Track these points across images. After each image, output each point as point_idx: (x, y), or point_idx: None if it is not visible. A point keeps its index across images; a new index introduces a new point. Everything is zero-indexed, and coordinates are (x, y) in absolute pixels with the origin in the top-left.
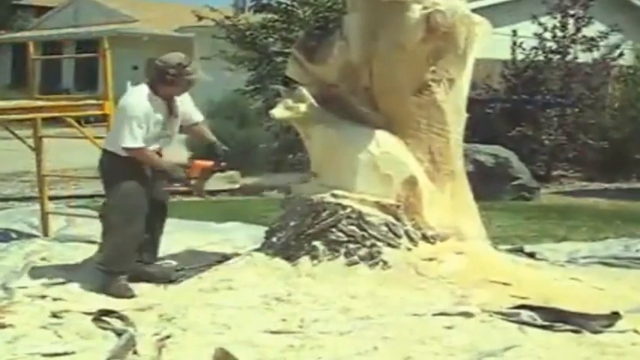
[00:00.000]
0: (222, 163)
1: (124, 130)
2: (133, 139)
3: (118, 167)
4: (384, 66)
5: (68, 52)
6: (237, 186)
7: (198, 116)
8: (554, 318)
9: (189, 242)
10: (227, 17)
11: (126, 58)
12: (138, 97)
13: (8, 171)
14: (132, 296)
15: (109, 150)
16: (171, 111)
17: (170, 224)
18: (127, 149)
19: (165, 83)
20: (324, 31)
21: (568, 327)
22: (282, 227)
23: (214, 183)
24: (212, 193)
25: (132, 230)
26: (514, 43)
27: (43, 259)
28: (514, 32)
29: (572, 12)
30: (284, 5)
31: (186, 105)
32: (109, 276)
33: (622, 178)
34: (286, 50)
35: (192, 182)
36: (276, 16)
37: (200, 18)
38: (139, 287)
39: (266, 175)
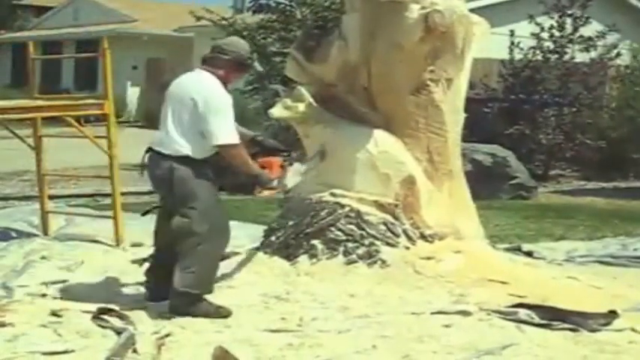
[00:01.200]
0: (283, 154)
1: (224, 126)
2: (230, 134)
3: (195, 175)
4: (383, 66)
5: (68, 52)
6: (300, 179)
7: None
8: (551, 316)
9: None
10: (224, 18)
11: (126, 58)
12: (219, 86)
13: (8, 170)
14: (229, 314)
15: (177, 155)
16: None
17: None
18: (229, 147)
19: (239, 70)
20: (322, 31)
21: (566, 325)
22: (281, 226)
23: (290, 180)
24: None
25: (222, 248)
26: (512, 43)
27: (42, 258)
28: (512, 32)
29: (569, 12)
30: (282, 5)
31: None
32: (195, 301)
33: (619, 177)
34: (285, 50)
35: (276, 182)
36: (274, 17)
37: (198, 19)
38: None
39: None
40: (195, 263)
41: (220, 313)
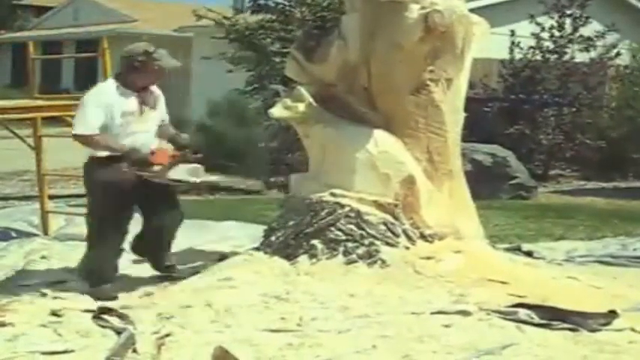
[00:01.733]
0: (189, 153)
1: (75, 119)
2: (82, 125)
3: (93, 170)
4: (382, 66)
5: (68, 52)
6: (197, 180)
7: (166, 116)
8: (551, 316)
9: (189, 241)
10: (225, 17)
11: None
12: (99, 87)
13: (8, 170)
14: (115, 297)
15: (89, 155)
16: (145, 103)
17: None
18: (76, 136)
19: (134, 72)
20: (322, 30)
21: (565, 325)
22: (281, 226)
23: (175, 173)
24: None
25: (109, 243)
26: (512, 43)
27: (42, 257)
28: (512, 32)
29: (569, 12)
30: (281, 6)
31: (161, 102)
32: (92, 285)
33: (619, 177)
34: (285, 50)
35: (156, 168)
36: (273, 17)
37: (199, 18)
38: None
39: (234, 175)
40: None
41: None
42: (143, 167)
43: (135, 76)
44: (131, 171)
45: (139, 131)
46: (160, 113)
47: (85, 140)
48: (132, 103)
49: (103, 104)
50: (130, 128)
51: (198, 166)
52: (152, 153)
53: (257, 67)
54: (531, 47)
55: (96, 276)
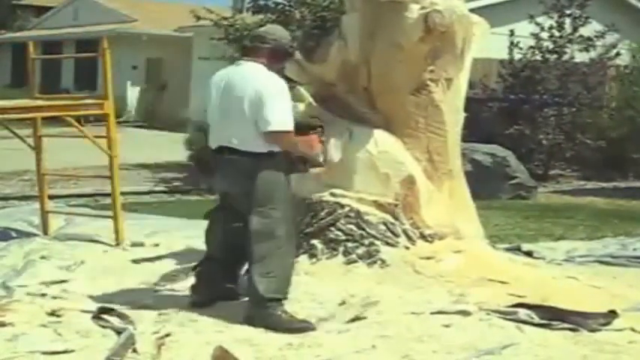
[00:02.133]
0: (319, 129)
1: (284, 111)
2: (285, 120)
3: (276, 174)
4: (382, 66)
5: (68, 52)
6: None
7: None
8: (551, 316)
9: (190, 241)
10: (225, 18)
11: (125, 58)
12: (270, 74)
13: (8, 170)
14: (314, 328)
15: (256, 152)
16: None
17: (170, 222)
18: (286, 134)
19: (281, 59)
20: (322, 30)
21: (565, 325)
22: None
23: (335, 151)
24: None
25: (295, 253)
26: (511, 43)
27: (42, 257)
28: (511, 32)
29: (568, 12)
30: (281, 6)
31: None
32: (277, 307)
33: (619, 177)
34: None
35: (322, 158)
36: (273, 17)
37: (198, 18)
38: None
39: None
40: (276, 267)
41: (304, 327)
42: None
43: (278, 63)
44: (304, 170)
45: None
46: None
47: (286, 138)
48: None
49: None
50: None
51: (333, 138)
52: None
53: None
54: (531, 47)
55: (285, 290)
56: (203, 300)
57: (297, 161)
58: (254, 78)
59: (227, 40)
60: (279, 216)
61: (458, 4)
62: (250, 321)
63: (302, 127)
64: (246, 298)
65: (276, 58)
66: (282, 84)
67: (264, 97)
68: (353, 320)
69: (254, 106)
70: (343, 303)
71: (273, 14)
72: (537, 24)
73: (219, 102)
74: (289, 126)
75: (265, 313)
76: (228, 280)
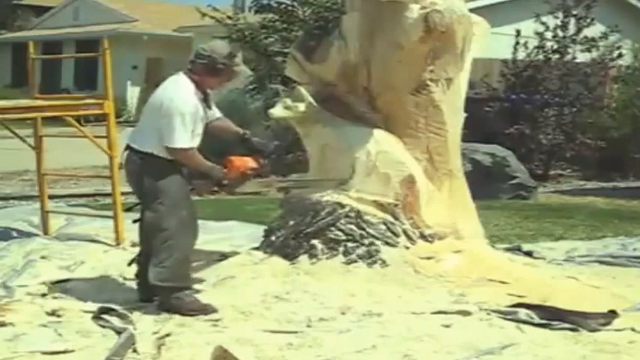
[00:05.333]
0: (263, 161)
1: (175, 130)
2: (186, 139)
3: (163, 171)
4: (382, 65)
5: (68, 52)
6: (269, 191)
7: (218, 112)
8: (551, 316)
9: None
10: (229, 17)
11: (125, 58)
12: (187, 91)
13: (8, 170)
14: (214, 311)
15: (144, 151)
16: (208, 105)
17: None
18: (177, 150)
19: (214, 74)
20: (323, 30)
21: (565, 325)
22: (281, 226)
23: (246, 186)
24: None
25: (191, 241)
26: (517, 43)
27: (43, 257)
28: (518, 32)
29: (574, 12)
30: (284, 5)
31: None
32: (176, 294)
33: (619, 177)
34: (286, 50)
35: (226, 182)
36: (276, 17)
37: (203, 15)
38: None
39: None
40: (166, 258)
41: (206, 309)
42: (217, 184)
43: (213, 79)
44: (201, 187)
45: (198, 135)
46: (213, 112)
47: (185, 156)
48: (202, 106)
49: (194, 111)
50: (197, 131)
51: (272, 178)
52: (224, 166)
53: (258, 66)
54: (535, 47)
55: (182, 280)
56: (146, 296)
57: (198, 176)
58: (165, 90)
59: (230, 40)
60: (165, 210)
61: (458, 4)
62: (160, 307)
63: (253, 150)
64: None
65: (209, 74)
66: (187, 103)
67: (165, 111)
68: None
69: (155, 116)
70: (345, 311)
71: (275, 14)
72: (542, 23)
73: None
74: (191, 144)
75: (162, 299)
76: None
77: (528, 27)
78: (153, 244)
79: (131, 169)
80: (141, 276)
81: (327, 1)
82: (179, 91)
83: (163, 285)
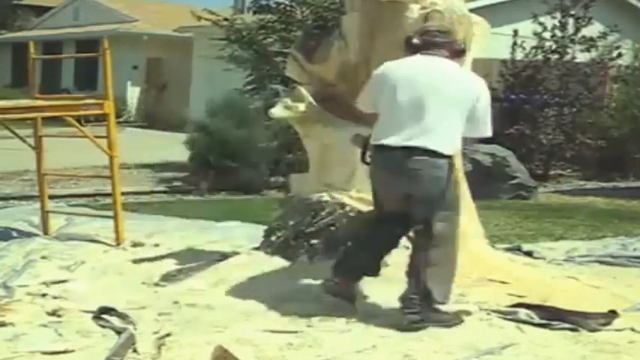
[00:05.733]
0: None
1: (489, 118)
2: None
3: (452, 174)
4: None
5: (68, 52)
6: None
7: None
8: (551, 316)
9: (189, 241)
10: (225, 19)
11: (126, 58)
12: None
13: (9, 170)
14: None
15: (447, 154)
16: None
17: (170, 223)
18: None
19: (458, 55)
20: (323, 30)
21: (565, 325)
22: (282, 226)
23: None
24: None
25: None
26: (514, 43)
27: (43, 257)
28: (515, 32)
29: (572, 12)
30: (283, 6)
31: None
32: (430, 310)
33: (619, 177)
34: (285, 50)
35: None
36: (274, 17)
37: (199, 18)
38: (134, 285)
39: None
40: (451, 274)
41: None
42: None
43: (458, 59)
44: None
45: None
46: None
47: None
48: None
49: None
50: None
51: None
52: None
53: (257, 67)
54: (534, 47)
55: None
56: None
57: None
58: (465, 77)
59: (228, 41)
60: (457, 221)
61: (458, 4)
62: (410, 320)
63: None
64: None
65: (456, 55)
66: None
67: (484, 100)
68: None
69: (464, 108)
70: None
71: (274, 14)
72: (540, 24)
73: (410, 97)
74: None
75: (431, 312)
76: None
77: (528, 27)
78: (434, 257)
79: (426, 174)
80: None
81: (325, 1)
82: (478, 78)
83: (437, 300)
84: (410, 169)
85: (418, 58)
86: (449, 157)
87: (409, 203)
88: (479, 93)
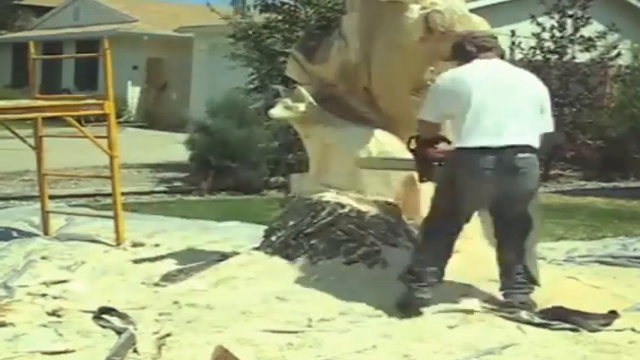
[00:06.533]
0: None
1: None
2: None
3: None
4: (383, 66)
5: (68, 52)
6: None
7: None
8: (552, 316)
9: (190, 241)
10: (235, 13)
11: (126, 58)
12: None
13: (9, 170)
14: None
15: (535, 148)
16: None
17: (171, 223)
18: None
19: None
20: (324, 31)
21: (566, 325)
22: (282, 226)
23: None
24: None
25: None
26: (512, 43)
27: (43, 257)
28: (513, 32)
29: (570, 12)
30: (287, 5)
31: None
32: (532, 290)
33: (619, 177)
34: (288, 50)
35: None
36: (279, 17)
37: (212, 10)
38: (134, 285)
39: None
40: (535, 255)
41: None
42: None
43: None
44: None
45: None
46: None
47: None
48: None
49: None
50: None
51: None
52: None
53: (259, 66)
54: (532, 47)
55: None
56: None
57: None
58: (534, 81)
59: (234, 39)
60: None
61: (459, 5)
62: (523, 299)
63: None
64: None
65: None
66: None
67: (547, 99)
68: None
69: (538, 107)
70: (345, 311)
71: (279, 14)
72: (539, 24)
73: (493, 98)
74: None
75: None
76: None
77: (528, 27)
78: (529, 242)
79: (533, 172)
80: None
81: (329, 2)
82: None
83: (537, 283)
84: (519, 168)
85: (482, 63)
86: (534, 150)
87: (507, 200)
88: (545, 91)
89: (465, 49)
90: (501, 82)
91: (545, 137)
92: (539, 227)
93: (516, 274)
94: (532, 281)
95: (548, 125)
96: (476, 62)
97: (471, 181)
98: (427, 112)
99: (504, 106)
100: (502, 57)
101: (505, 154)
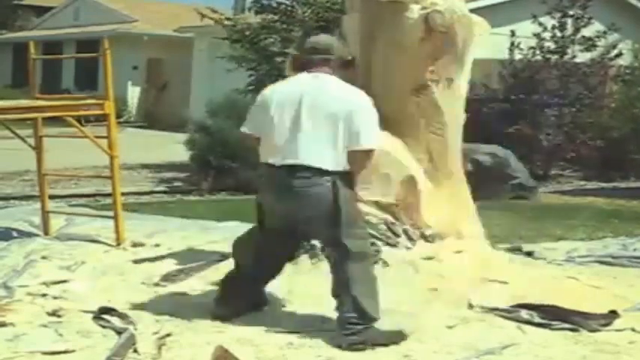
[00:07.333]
0: None
1: (374, 128)
2: (376, 138)
3: (351, 187)
4: (383, 66)
5: (68, 52)
6: None
7: None
8: (552, 316)
9: (190, 241)
10: (228, 18)
11: (126, 58)
12: (357, 89)
13: (9, 170)
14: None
15: (334, 170)
16: None
17: (171, 223)
18: (371, 151)
19: (344, 68)
20: (323, 31)
21: (566, 325)
22: None
23: None
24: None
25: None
26: (512, 44)
27: (43, 257)
28: (512, 32)
29: (571, 12)
30: (284, 6)
31: None
32: (368, 328)
33: (619, 177)
34: (286, 50)
35: None
36: (276, 17)
37: (202, 16)
38: (134, 285)
39: None
40: (372, 287)
41: (392, 338)
42: None
43: (342, 72)
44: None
45: None
46: None
47: (372, 155)
48: None
49: None
50: None
51: None
52: None
53: (258, 67)
54: (532, 47)
55: (375, 312)
56: (227, 313)
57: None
58: (344, 91)
59: (230, 40)
60: (366, 235)
61: (459, 5)
62: (351, 341)
63: None
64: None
65: (342, 68)
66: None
67: (366, 111)
68: None
69: (344, 123)
70: None
71: (276, 14)
72: (540, 24)
73: (289, 112)
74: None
75: (369, 330)
76: (253, 295)
77: (528, 27)
78: (353, 274)
79: (315, 192)
80: (234, 293)
81: (326, 2)
82: (357, 91)
83: (375, 317)
84: (293, 187)
85: (298, 77)
86: (335, 173)
87: (294, 221)
88: (358, 105)
89: (297, 61)
90: (299, 99)
91: (355, 154)
92: (370, 259)
93: (347, 308)
94: (365, 316)
95: (359, 142)
96: (297, 76)
97: (262, 196)
98: (245, 124)
99: (294, 124)
100: (346, 66)
101: (283, 173)
